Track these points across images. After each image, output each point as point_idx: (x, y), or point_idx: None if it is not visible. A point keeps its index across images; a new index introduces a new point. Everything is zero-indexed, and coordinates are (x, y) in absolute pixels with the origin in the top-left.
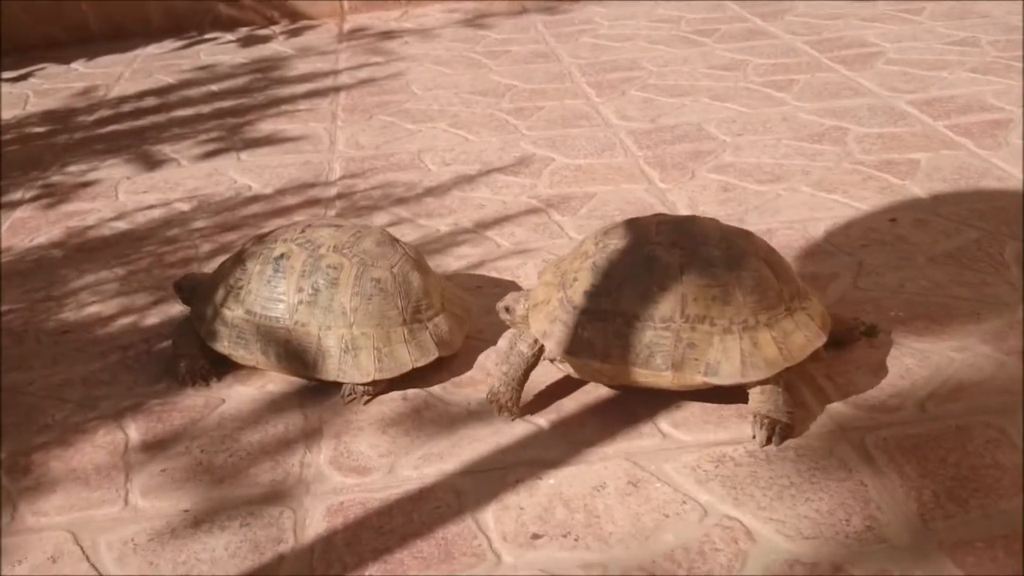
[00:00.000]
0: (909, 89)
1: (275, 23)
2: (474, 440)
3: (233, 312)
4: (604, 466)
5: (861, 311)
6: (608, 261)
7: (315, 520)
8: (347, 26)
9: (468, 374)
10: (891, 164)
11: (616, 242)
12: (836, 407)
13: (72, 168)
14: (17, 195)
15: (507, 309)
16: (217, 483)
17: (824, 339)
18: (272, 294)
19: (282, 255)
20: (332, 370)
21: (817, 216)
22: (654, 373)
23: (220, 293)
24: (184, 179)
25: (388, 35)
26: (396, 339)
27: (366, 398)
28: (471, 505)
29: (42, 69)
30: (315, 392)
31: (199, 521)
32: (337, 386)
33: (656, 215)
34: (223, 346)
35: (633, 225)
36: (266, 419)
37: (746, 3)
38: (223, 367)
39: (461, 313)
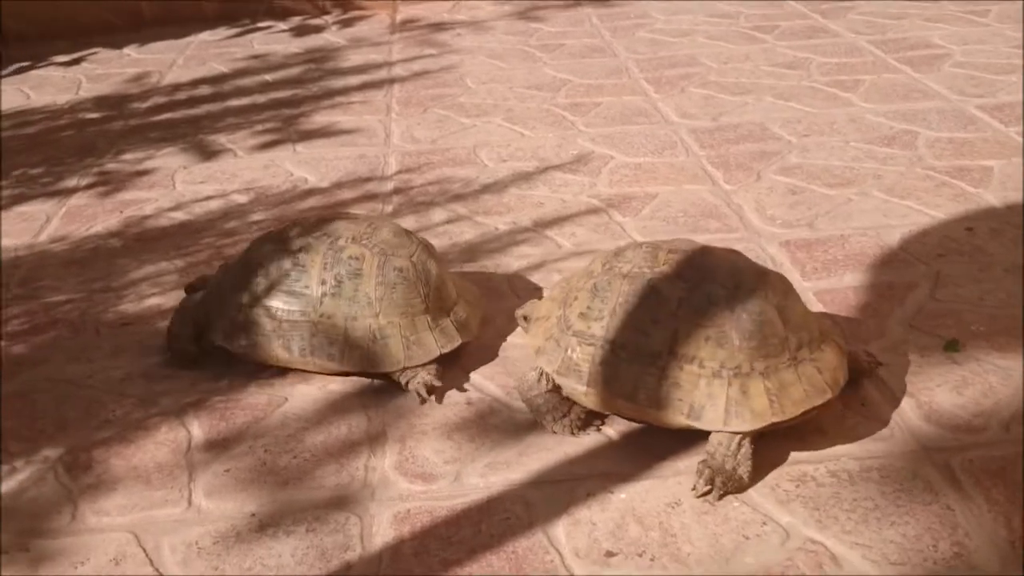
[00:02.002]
0: (977, 93)
1: (327, 12)
2: (541, 449)
3: (252, 309)
4: (678, 481)
5: (941, 324)
6: (608, 284)
7: (382, 527)
8: (399, 17)
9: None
10: (964, 171)
11: (622, 266)
12: (919, 426)
13: (127, 156)
14: (72, 182)
15: (525, 317)
16: (282, 485)
17: (829, 396)
18: (293, 288)
19: (300, 249)
20: (360, 360)
21: (891, 223)
22: (636, 407)
23: (236, 291)
24: (241, 170)
25: (440, 27)
26: (421, 327)
27: (437, 383)
28: (541, 518)
29: (94, 54)
30: (377, 392)
31: (265, 525)
32: (399, 386)
33: (671, 240)
34: (241, 345)
35: (644, 249)
36: (329, 420)
37: (806, 0)
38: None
39: (473, 301)
